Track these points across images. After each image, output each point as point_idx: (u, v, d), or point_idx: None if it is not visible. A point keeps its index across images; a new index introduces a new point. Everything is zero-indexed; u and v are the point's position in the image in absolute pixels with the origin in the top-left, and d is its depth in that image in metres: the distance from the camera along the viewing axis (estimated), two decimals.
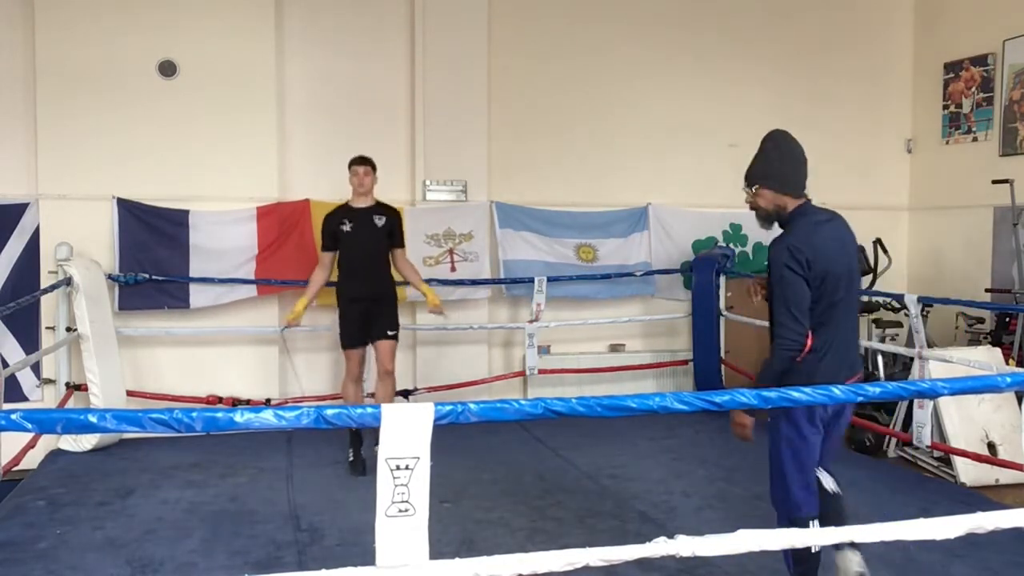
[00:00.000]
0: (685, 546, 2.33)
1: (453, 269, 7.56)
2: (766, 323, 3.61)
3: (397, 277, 6.22)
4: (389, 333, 5.98)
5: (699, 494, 5.41)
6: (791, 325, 3.42)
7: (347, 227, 5.96)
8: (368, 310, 5.94)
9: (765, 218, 3.69)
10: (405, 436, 2.09)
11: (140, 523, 4.89)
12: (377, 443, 2.13)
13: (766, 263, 3.62)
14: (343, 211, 6.05)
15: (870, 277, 8.21)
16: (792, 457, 3.57)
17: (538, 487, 5.56)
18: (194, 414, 2.04)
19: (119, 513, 5.06)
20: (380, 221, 6.00)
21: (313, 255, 7.10)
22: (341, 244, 5.97)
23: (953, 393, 2.65)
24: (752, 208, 3.71)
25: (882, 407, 6.82)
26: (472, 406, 2.20)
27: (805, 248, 3.45)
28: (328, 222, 6.04)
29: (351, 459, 5.90)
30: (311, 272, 7.06)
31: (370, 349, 6.07)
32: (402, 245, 6.14)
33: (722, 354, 7.80)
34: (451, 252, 7.58)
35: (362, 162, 6.03)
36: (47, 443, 6.24)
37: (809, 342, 3.45)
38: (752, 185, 3.66)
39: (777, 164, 3.63)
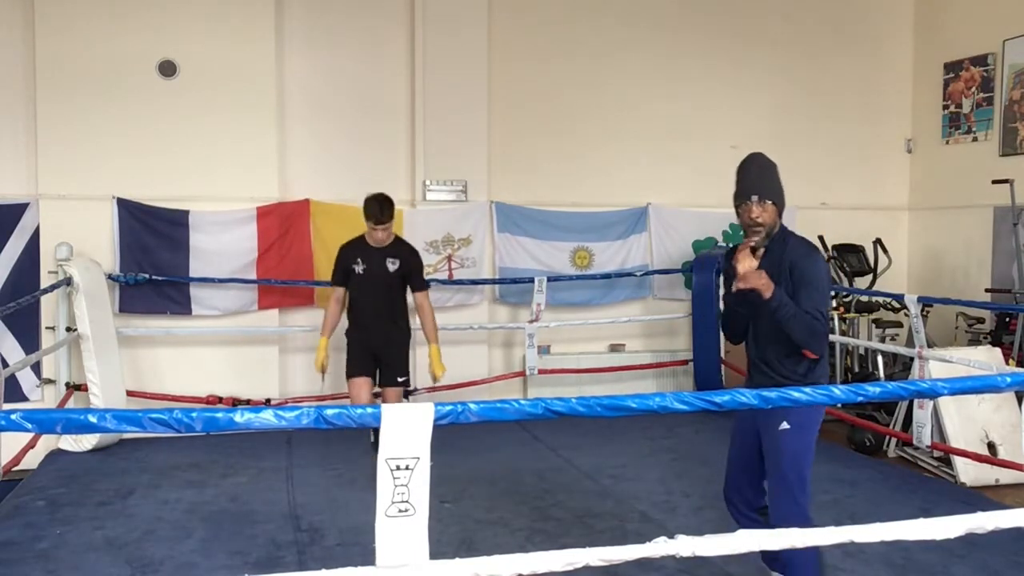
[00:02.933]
0: (685, 546, 2.33)
1: (451, 276, 7.56)
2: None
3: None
4: (399, 380, 5.67)
5: (699, 494, 5.40)
6: (825, 322, 3.48)
7: (359, 268, 5.52)
8: (378, 352, 5.62)
9: (767, 234, 3.59)
10: (405, 436, 2.09)
11: (140, 523, 4.88)
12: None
13: (791, 263, 3.56)
14: (358, 247, 5.56)
15: (870, 277, 8.22)
16: (806, 469, 3.49)
17: (538, 487, 5.56)
18: (194, 414, 2.03)
19: (119, 513, 5.06)
20: (394, 265, 5.51)
21: (312, 257, 7.19)
22: (351, 284, 5.57)
23: (953, 393, 2.64)
24: (753, 224, 3.59)
25: (882, 407, 6.82)
26: (472, 406, 2.19)
27: None
28: (342, 257, 5.62)
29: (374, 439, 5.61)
30: (311, 273, 7.14)
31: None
32: (423, 288, 5.67)
33: (722, 354, 7.79)
34: (449, 259, 7.57)
35: (379, 220, 5.39)
36: (47, 443, 6.24)
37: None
38: (765, 199, 3.56)
39: (780, 185, 3.63)
